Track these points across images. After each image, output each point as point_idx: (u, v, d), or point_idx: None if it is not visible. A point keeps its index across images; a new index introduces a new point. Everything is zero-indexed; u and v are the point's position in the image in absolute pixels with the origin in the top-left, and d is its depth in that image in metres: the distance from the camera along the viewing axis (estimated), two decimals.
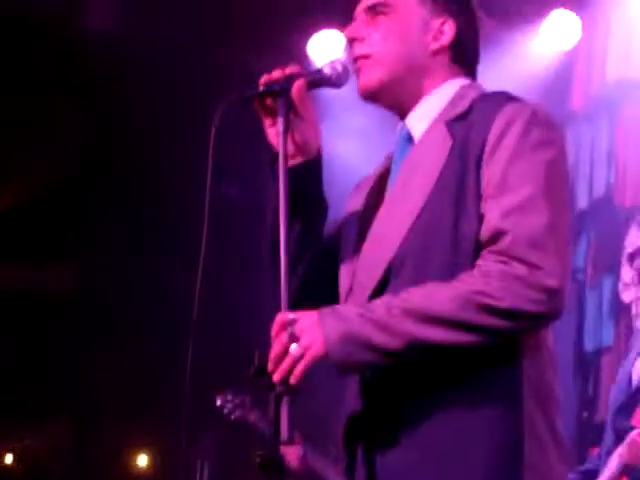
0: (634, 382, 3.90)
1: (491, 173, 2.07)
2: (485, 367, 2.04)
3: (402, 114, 2.30)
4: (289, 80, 2.22)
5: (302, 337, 1.99)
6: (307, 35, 6.35)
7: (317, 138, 2.29)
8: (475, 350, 2.01)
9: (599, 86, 5.99)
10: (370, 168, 2.41)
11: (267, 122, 2.26)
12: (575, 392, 5.56)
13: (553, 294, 1.99)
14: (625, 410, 3.85)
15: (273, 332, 2.02)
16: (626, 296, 5.81)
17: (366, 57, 2.26)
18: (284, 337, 2.00)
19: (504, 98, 2.17)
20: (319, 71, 2.28)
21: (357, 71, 2.28)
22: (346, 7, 6.32)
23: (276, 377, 1.98)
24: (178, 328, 6.89)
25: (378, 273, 2.13)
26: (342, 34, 6.27)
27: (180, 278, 6.78)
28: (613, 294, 5.89)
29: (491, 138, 2.09)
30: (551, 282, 1.98)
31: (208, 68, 6.20)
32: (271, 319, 2.04)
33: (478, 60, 2.35)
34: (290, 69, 2.25)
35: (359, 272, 2.20)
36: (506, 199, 2.04)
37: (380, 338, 1.98)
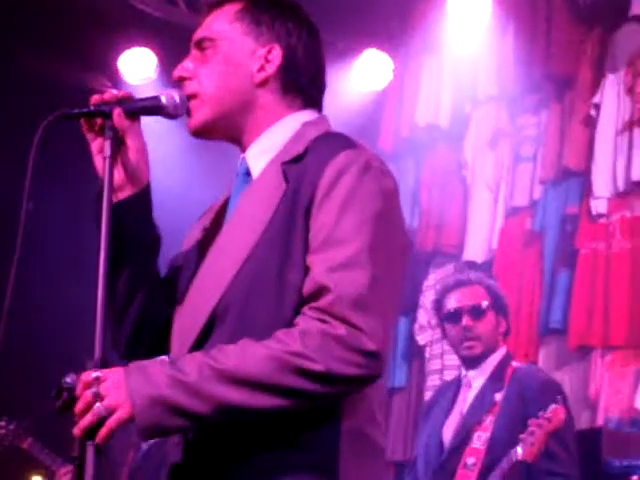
0: (446, 444, 3.92)
1: (319, 225, 2.00)
2: (302, 427, 1.96)
3: (242, 147, 2.21)
4: (121, 103, 2.12)
5: (106, 397, 1.89)
6: (118, 51, 6.21)
7: (146, 168, 2.18)
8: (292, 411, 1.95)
9: (408, 129, 6.10)
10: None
11: (95, 146, 2.14)
12: None
13: (372, 357, 1.92)
14: (444, 471, 3.86)
15: (77, 390, 1.90)
16: (421, 338, 5.91)
17: (194, 96, 2.16)
18: (88, 395, 1.89)
19: (340, 143, 2.08)
20: (155, 98, 2.16)
21: (187, 110, 2.17)
22: (159, 25, 6.21)
23: (77, 432, 1.88)
24: None
25: (201, 320, 2.04)
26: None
27: None
28: (408, 335, 5.98)
29: (321, 187, 2.01)
30: (371, 345, 1.91)
31: (11, 73, 5.94)
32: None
33: (321, 85, 2.24)
34: (123, 93, 2.14)
35: (183, 318, 2.11)
36: (331, 253, 1.96)
37: (190, 403, 1.89)
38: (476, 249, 5.61)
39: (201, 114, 2.16)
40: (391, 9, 6.19)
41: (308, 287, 1.96)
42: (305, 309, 1.95)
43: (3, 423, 4.94)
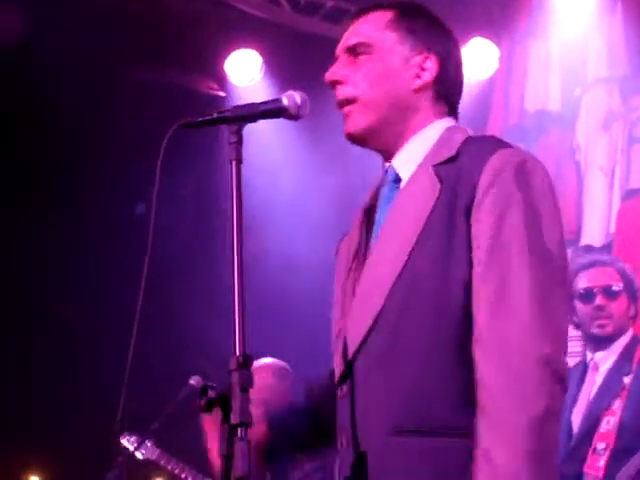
0: (576, 430, 3.89)
1: (482, 226, 2.02)
2: None
3: (388, 155, 2.24)
4: (242, 108, 2.11)
5: None
6: (224, 54, 6.28)
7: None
8: None
9: (517, 116, 6.03)
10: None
11: (212, 438, 2.22)
12: None
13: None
14: (574, 457, 3.83)
15: None
16: None
17: (352, 101, 2.20)
18: None
19: (494, 143, 2.11)
20: (276, 100, 2.16)
21: (344, 115, 2.21)
22: (264, 29, 6.28)
23: None
24: (64, 356, 6.74)
25: (364, 327, 2.08)
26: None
27: (65, 310, 6.66)
28: None
29: (481, 186, 2.03)
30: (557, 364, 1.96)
31: (122, 82, 6.06)
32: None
33: (461, 96, 2.29)
34: None
35: (348, 324, 2.14)
36: (495, 272, 1.98)
37: None
38: (594, 233, 5.53)
39: (363, 119, 2.20)
40: None
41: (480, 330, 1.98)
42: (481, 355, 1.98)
43: (133, 437, 4.99)
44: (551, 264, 2.02)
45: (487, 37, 6.15)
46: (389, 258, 2.09)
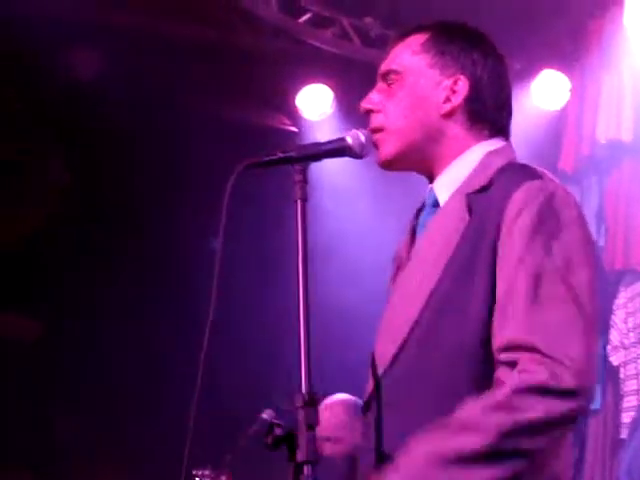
0: None
1: (506, 261, 2.00)
2: None
3: (430, 177, 2.24)
4: (307, 148, 2.15)
5: None
6: (296, 89, 6.33)
7: None
8: None
9: (590, 147, 5.98)
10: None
11: None
12: None
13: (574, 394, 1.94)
14: None
15: None
16: (615, 359, 5.77)
17: (380, 130, 2.21)
18: None
19: (525, 174, 2.07)
20: (341, 140, 2.18)
21: (374, 143, 2.21)
22: (334, 61, 6.32)
23: None
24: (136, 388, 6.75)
25: (389, 355, 2.10)
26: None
27: (137, 342, 6.71)
28: (601, 356, 5.84)
29: (506, 220, 2.01)
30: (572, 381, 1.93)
31: (195, 117, 6.14)
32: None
33: (509, 111, 2.24)
34: None
35: (378, 348, 2.16)
36: (521, 300, 1.96)
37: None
38: None
39: (388, 147, 2.20)
40: (563, 28, 6.13)
41: (506, 338, 1.97)
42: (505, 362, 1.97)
43: (208, 472, 5.01)
44: (578, 299, 1.97)
45: (558, 69, 6.12)
46: (411, 295, 2.10)
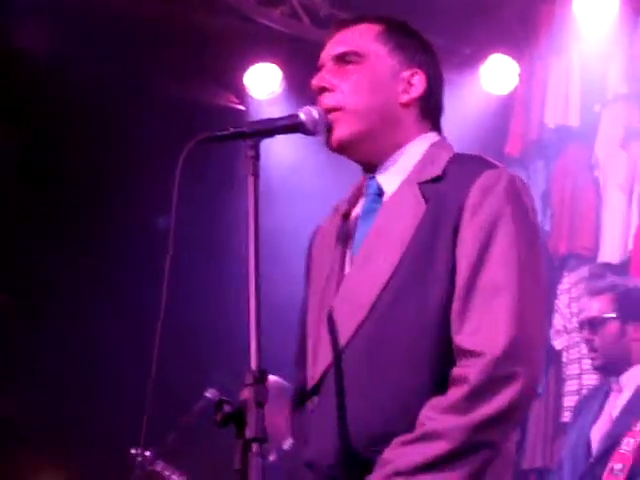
0: (594, 448, 3.86)
1: (467, 248, 2.06)
2: None
3: (370, 167, 2.24)
4: (259, 123, 2.13)
5: None
6: (244, 67, 6.29)
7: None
8: None
9: (537, 132, 6.01)
10: None
11: None
12: None
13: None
14: (589, 477, 3.81)
15: None
16: (558, 343, 5.82)
17: (338, 109, 2.19)
18: None
19: (480, 164, 2.14)
20: (293, 116, 2.17)
21: (329, 122, 2.19)
22: (283, 40, 6.29)
23: None
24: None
25: (345, 339, 2.10)
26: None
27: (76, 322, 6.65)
28: None
29: (468, 207, 2.07)
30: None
31: (144, 95, 6.08)
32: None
33: (442, 112, 2.31)
34: None
35: (324, 337, 2.14)
36: (480, 288, 2.03)
37: None
38: (612, 251, 5.49)
39: (347, 127, 2.19)
40: (513, 13, 6.15)
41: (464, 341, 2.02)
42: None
43: (139, 451, 4.97)
44: (538, 281, 2.07)
45: (507, 53, 6.14)
46: (371, 276, 2.11)
